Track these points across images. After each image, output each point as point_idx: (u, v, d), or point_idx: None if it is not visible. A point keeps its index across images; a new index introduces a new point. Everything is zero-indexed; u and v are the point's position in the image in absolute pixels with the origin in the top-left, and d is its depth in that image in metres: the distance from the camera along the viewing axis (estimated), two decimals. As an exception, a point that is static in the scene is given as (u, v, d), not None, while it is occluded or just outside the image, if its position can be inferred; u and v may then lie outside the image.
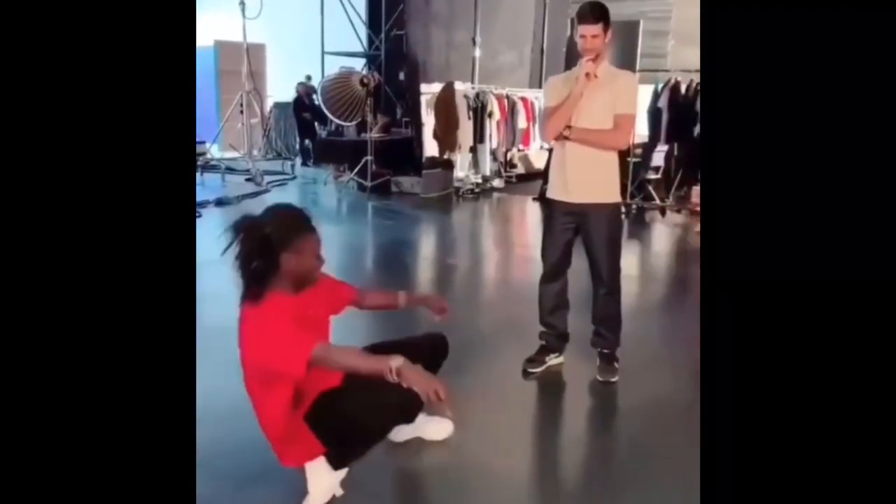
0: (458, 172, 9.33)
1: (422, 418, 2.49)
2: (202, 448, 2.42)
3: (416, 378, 1.81)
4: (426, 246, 6.68)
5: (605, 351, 3.33)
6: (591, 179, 3.05)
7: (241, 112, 9.37)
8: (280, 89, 13.10)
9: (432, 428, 2.55)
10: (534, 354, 3.36)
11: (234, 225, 1.96)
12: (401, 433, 2.48)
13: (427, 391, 1.79)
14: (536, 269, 6.45)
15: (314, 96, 10.56)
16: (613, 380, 3.25)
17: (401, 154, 9.22)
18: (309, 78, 12.47)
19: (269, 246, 1.94)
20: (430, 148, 9.28)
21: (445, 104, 8.99)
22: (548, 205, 3.22)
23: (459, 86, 9.31)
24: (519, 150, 10.73)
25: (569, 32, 14.36)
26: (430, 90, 9.32)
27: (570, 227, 3.14)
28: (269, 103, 12.81)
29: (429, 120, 9.33)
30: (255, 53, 9.12)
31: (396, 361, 1.82)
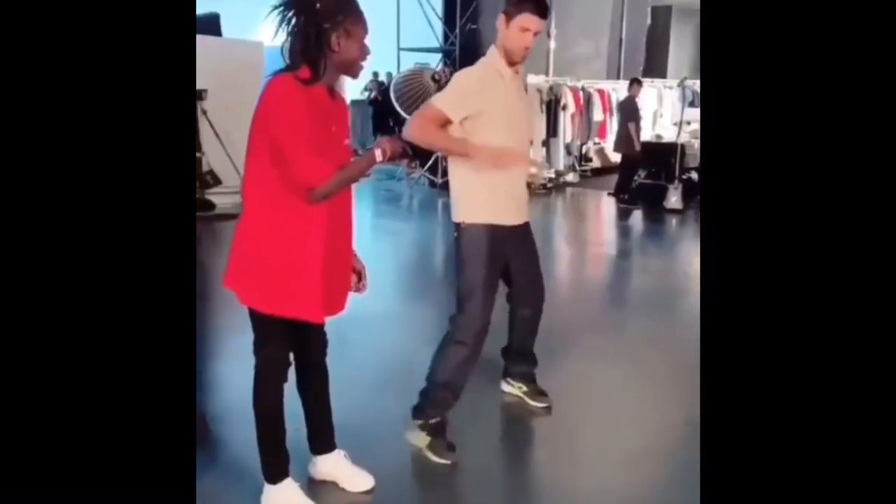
0: (530, 168, 9.17)
1: (345, 465, 2.31)
2: (229, 448, 2.44)
3: (393, 145, 1.95)
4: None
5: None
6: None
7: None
8: (356, 87, 13.30)
9: (352, 477, 2.30)
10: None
11: (285, 2, 1.84)
12: (317, 471, 2.32)
13: (400, 149, 1.96)
14: (612, 266, 6.31)
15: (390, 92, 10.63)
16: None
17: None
18: (376, 74, 12.58)
19: (319, 23, 1.82)
20: (502, 143, 9.15)
21: (518, 98, 8.83)
22: (490, 234, 2.46)
23: (533, 78, 9.13)
24: (595, 144, 10.46)
25: (649, 21, 13.92)
26: (502, 84, 9.18)
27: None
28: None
29: (501, 114, 9.18)
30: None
31: (379, 146, 1.92)
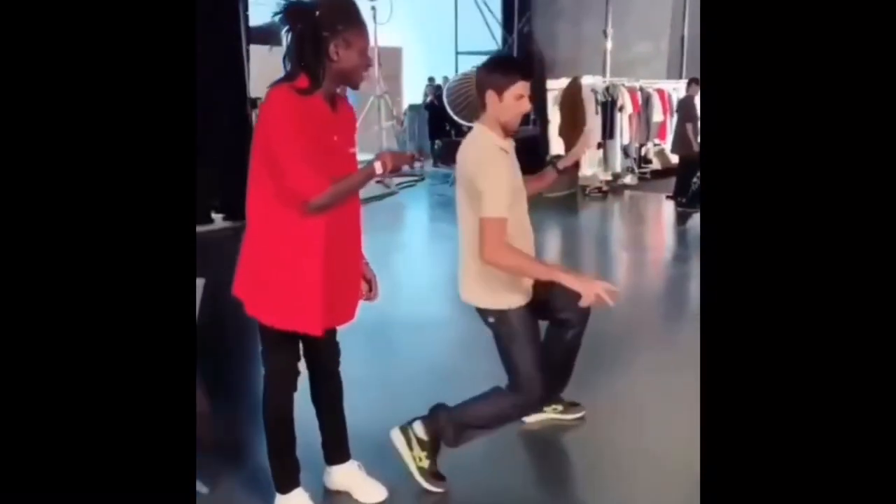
0: (585, 170, 9.01)
1: (358, 476, 2.28)
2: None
3: (397, 159, 1.95)
4: (550, 249, 6.46)
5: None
6: None
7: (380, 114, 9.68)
8: (415, 91, 13.41)
9: (365, 488, 2.26)
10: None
11: (284, 10, 1.84)
12: (331, 481, 2.29)
13: (403, 163, 1.97)
14: (667, 272, 6.11)
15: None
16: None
17: (526, 152, 9.06)
18: (431, 80, 12.64)
19: (318, 32, 1.81)
20: (556, 145, 9.05)
21: (571, 100, 8.73)
22: (529, 310, 2.35)
23: (589, 79, 8.99)
24: (655, 145, 10.22)
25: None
26: (557, 86, 9.09)
27: None
28: (404, 106, 13.15)
29: (555, 116, 9.10)
30: (390, 57, 9.32)
31: (380, 159, 1.92)
